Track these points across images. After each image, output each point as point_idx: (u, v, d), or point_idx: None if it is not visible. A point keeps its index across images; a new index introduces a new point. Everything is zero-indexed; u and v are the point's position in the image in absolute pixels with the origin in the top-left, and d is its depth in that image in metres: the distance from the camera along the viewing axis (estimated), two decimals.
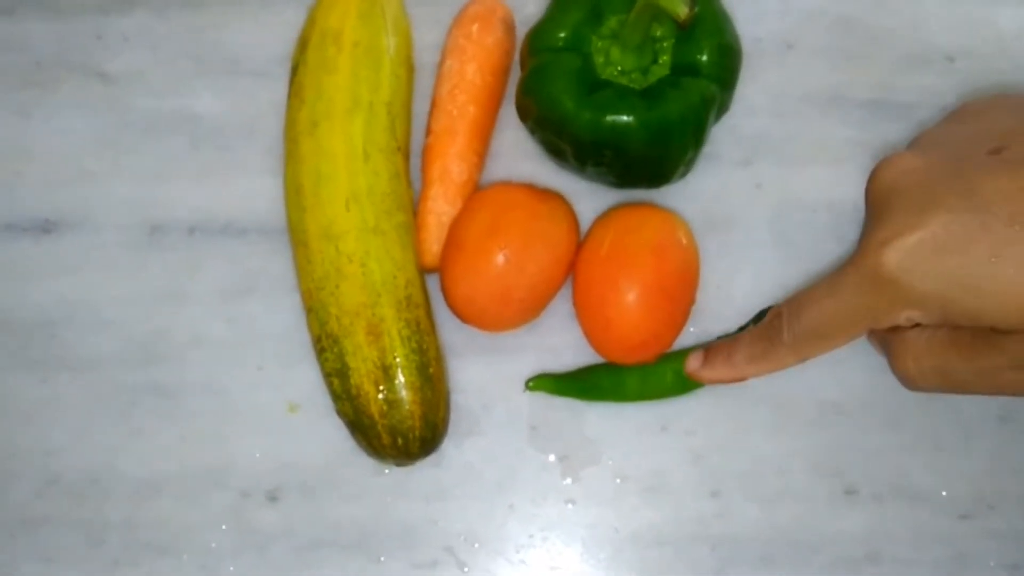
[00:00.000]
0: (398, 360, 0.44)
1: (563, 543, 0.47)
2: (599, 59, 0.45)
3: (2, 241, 0.50)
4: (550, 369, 0.48)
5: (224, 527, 0.47)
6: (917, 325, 0.37)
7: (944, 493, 0.47)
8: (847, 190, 0.49)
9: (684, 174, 0.47)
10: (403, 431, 0.44)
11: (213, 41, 0.52)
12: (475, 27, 0.49)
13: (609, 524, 0.47)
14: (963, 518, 0.47)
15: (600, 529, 0.47)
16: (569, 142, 0.45)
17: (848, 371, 0.48)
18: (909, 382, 0.39)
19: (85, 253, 0.50)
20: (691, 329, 0.48)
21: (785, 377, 0.48)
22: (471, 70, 0.48)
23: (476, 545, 0.47)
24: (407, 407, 0.44)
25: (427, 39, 0.50)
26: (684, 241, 0.46)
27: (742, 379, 0.42)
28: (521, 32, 0.48)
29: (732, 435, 0.47)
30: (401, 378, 0.43)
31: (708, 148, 0.47)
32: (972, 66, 0.51)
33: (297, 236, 0.46)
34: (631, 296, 0.44)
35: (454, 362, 0.48)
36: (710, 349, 0.44)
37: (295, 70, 0.48)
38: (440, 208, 0.48)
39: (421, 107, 0.50)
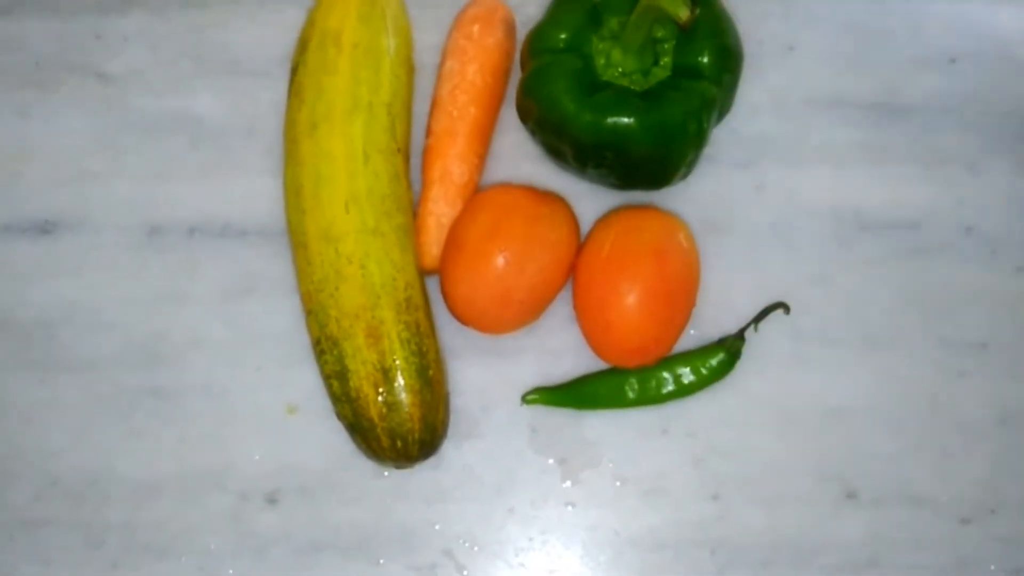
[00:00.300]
0: (397, 363, 0.43)
1: (563, 546, 0.47)
2: (600, 60, 0.44)
3: (1, 242, 0.50)
4: (550, 372, 0.48)
5: (223, 529, 0.47)
6: None
7: (945, 497, 0.47)
8: (848, 192, 0.49)
9: (685, 176, 0.47)
10: (402, 433, 0.44)
11: (213, 41, 0.51)
12: (476, 28, 0.48)
13: (609, 527, 0.47)
14: (964, 522, 0.47)
15: (600, 532, 0.47)
16: (569, 144, 0.44)
17: (849, 376, 0.48)
18: None
19: (84, 254, 0.49)
20: (691, 332, 0.48)
21: (787, 381, 0.48)
22: (472, 71, 0.48)
23: (475, 548, 0.47)
24: (406, 410, 0.43)
25: (427, 40, 0.50)
26: (685, 244, 0.46)
27: None
28: (521, 33, 0.48)
29: (733, 438, 0.47)
30: (401, 380, 0.43)
31: (709, 150, 0.47)
32: (973, 68, 0.51)
33: (297, 238, 0.46)
34: (631, 299, 0.44)
35: (454, 364, 0.48)
36: None
37: (295, 71, 0.48)
38: (440, 210, 0.47)
39: (421, 108, 0.49)
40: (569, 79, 0.44)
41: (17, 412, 0.48)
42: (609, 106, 0.43)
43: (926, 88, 0.50)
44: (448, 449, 0.47)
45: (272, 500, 0.47)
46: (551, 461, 0.47)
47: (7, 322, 0.49)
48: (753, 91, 0.50)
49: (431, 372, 0.44)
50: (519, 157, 0.50)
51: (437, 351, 0.46)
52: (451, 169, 0.47)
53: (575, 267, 0.46)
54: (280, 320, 0.48)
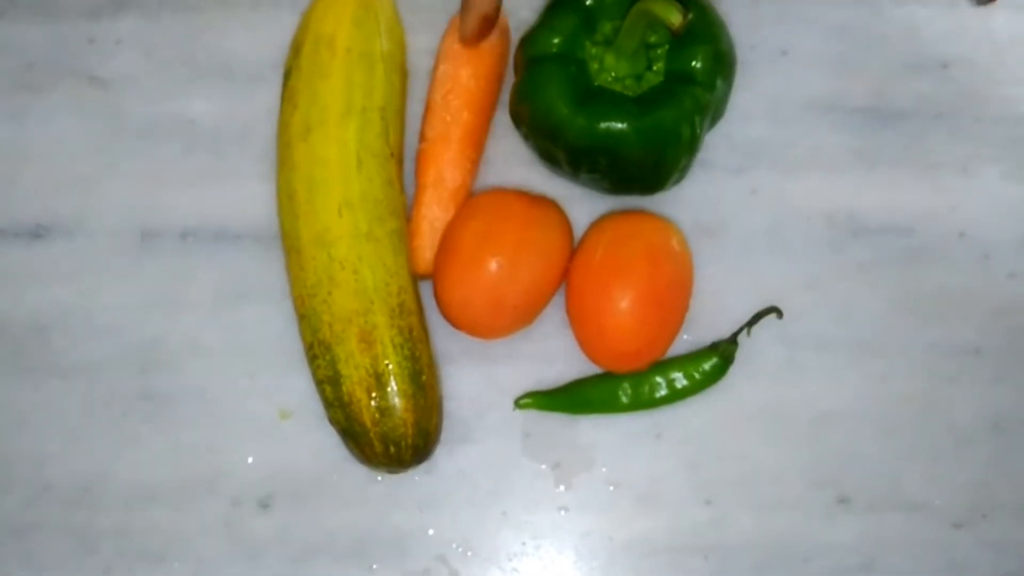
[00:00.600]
0: (390, 367, 0.43)
1: (556, 551, 0.47)
2: (593, 66, 0.45)
3: None
4: (543, 377, 0.48)
5: (216, 535, 0.47)
6: None
7: (938, 502, 0.47)
8: (841, 197, 0.49)
9: (678, 181, 0.47)
10: (395, 439, 0.44)
11: (206, 45, 0.51)
12: None
13: (602, 532, 0.47)
14: (957, 527, 0.47)
15: (593, 537, 0.47)
16: (563, 148, 0.44)
17: (842, 381, 0.48)
18: None
19: (77, 259, 0.49)
20: (685, 336, 0.48)
21: (780, 386, 0.48)
22: (465, 75, 0.48)
23: (469, 553, 0.47)
24: (399, 415, 0.43)
25: (421, 44, 0.50)
26: (678, 249, 0.46)
27: None
28: (515, 37, 0.48)
29: (726, 443, 0.47)
30: (393, 385, 0.43)
31: (702, 155, 0.47)
32: (966, 73, 0.51)
33: (290, 242, 0.46)
34: (624, 304, 0.44)
35: (447, 369, 0.48)
36: None
37: (288, 75, 0.48)
38: (433, 214, 0.47)
39: (415, 112, 0.49)
40: (562, 84, 0.44)
41: (10, 417, 0.48)
42: (602, 111, 0.43)
43: (919, 93, 0.50)
44: (441, 454, 0.47)
45: (265, 505, 0.47)
46: (544, 466, 0.47)
47: None
48: (746, 96, 0.50)
49: (424, 377, 0.44)
50: (512, 161, 0.50)
51: (430, 356, 0.46)
52: (444, 174, 0.47)
53: (568, 272, 0.46)
54: (273, 325, 0.48)
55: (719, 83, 0.44)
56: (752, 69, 0.50)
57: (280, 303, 0.48)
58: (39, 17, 0.52)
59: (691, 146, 0.45)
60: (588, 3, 0.44)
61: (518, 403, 0.47)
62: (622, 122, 0.43)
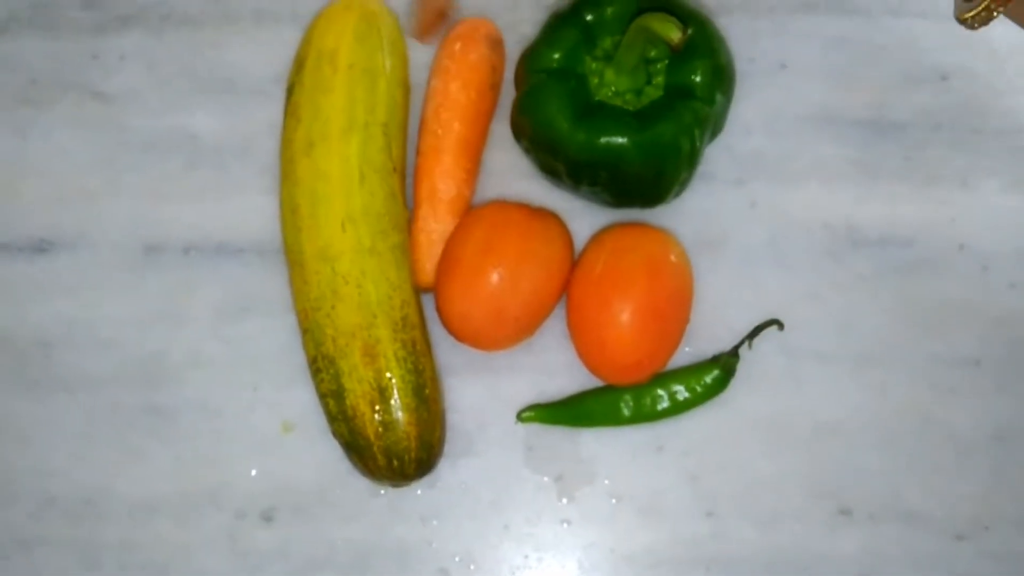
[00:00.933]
0: (394, 381, 0.44)
1: (558, 564, 0.47)
2: (593, 80, 0.45)
3: None
4: (545, 389, 0.48)
5: (219, 548, 0.47)
6: None
7: (939, 513, 0.47)
8: (841, 209, 0.50)
9: (678, 194, 0.47)
10: (399, 452, 0.44)
11: (209, 61, 0.52)
12: (458, 46, 0.49)
13: (605, 544, 0.47)
14: (959, 539, 0.47)
15: (596, 550, 0.47)
16: (563, 162, 0.45)
17: (843, 392, 0.48)
18: None
19: (81, 273, 0.50)
20: (686, 349, 0.48)
21: (781, 398, 0.48)
22: (455, 88, 0.48)
23: (471, 566, 0.47)
24: (403, 428, 0.44)
25: (423, 58, 0.50)
26: (678, 261, 0.46)
27: None
28: (515, 52, 0.48)
29: (728, 455, 0.47)
30: (397, 399, 0.43)
31: (702, 167, 0.47)
32: (966, 84, 0.51)
33: (293, 256, 0.46)
34: (625, 316, 0.44)
35: (449, 382, 0.48)
36: None
37: (291, 90, 0.48)
38: (430, 227, 0.48)
39: (417, 126, 0.50)
40: (563, 99, 0.44)
41: (13, 431, 0.48)
42: (602, 126, 0.43)
43: (918, 105, 0.51)
44: (444, 467, 0.47)
45: (268, 518, 0.47)
46: (546, 479, 0.48)
47: (3, 341, 0.49)
48: (746, 109, 0.50)
49: (427, 391, 0.45)
50: (513, 174, 0.50)
51: (433, 369, 0.46)
52: (438, 186, 0.48)
53: (568, 285, 0.46)
54: (276, 339, 0.48)
55: (719, 97, 0.45)
56: (751, 82, 0.50)
57: (283, 316, 0.48)
58: (43, 33, 0.52)
59: (691, 160, 0.45)
60: (588, 19, 0.44)
61: (520, 417, 0.47)
62: (622, 136, 0.43)
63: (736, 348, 0.47)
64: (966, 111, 0.51)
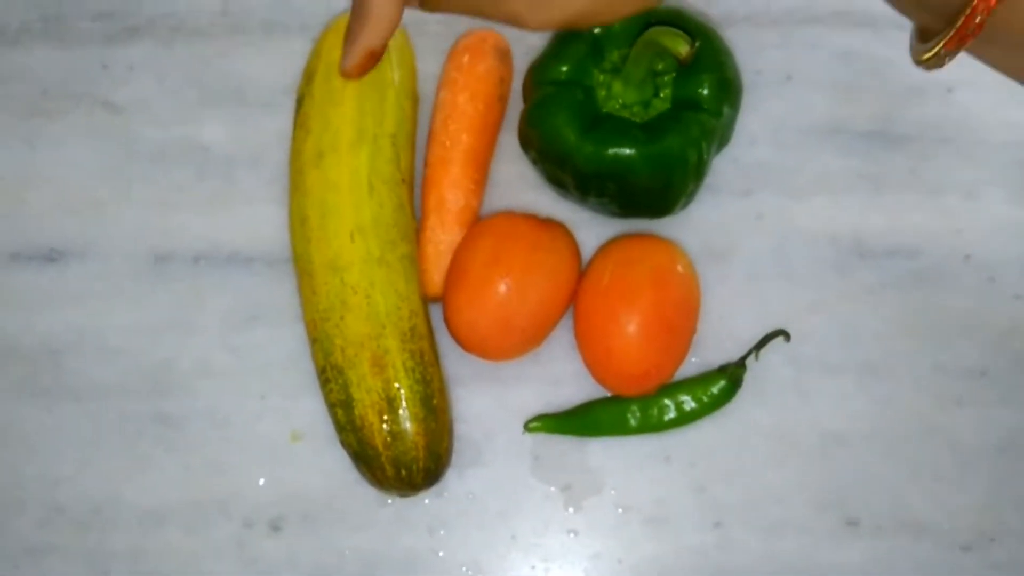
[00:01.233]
0: (402, 391, 0.44)
1: (565, 574, 0.47)
2: (601, 93, 0.45)
3: (7, 270, 0.50)
4: (552, 399, 0.48)
5: (227, 557, 0.47)
6: None
7: (946, 525, 0.47)
8: (847, 220, 0.50)
9: (685, 205, 0.47)
10: (407, 462, 0.44)
11: (219, 72, 0.52)
12: (466, 58, 0.49)
13: (612, 555, 0.47)
14: (965, 550, 0.47)
15: (602, 560, 0.47)
16: (571, 174, 0.45)
17: (849, 403, 0.48)
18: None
19: (90, 282, 0.50)
20: (692, 359, 0.48)
21: (787, 409, 0.48)
22: (463, 99, 0.48)
23: None
24: (411, 438, 0.44)
25: (431, 70, 0.51)
26: (685, 272, 0.46)
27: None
28: (524, 63, 0.49)
29: (734, 466, 0.48)
30: (405, 409, 0.44)
31: (709, 179, 0.47)
32: (971, 96, 0.51)
33: (302, 266, 0.46)
34: (632, 327, 0.44)
35: (456, 392, 0.48)
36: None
37: (301, 102, 0.48)
38: (438, 237, 0.48)
39: (425, 138, 0.50)
40: (571, 111, 0.44)
41: (22, 439, 0.48)
42: (610, 137, 0.43)
43: (924, 117, 0.51)
44: (451, 476, 0.47)
45: (276, 528, 0.47)
46: (553, 489, 0.48)
47: (13, 350, 0.49)
48: (752, 120, 0.50)
49: (435, 400, 0.45)
50: (520, 185, 0.50)
51: (441, 379, 0.46)
52: (446, 197, 0.48)
53: (576, 296, 0.47)
54: (285, 348, 0.48)
55: (726, 109, 0.45)
56: (757, 94, 0.50)
57: (291, 326, 0.48)
58: (54, 43, 0.52)
59: (698, 171, 0.45)
60: (596, 31, 0.45)
61: (527, 427, 0.47)
62: (630, 148, 0.43)
63: (743, 359, 0.47)
64: (972, 123, 0.51)
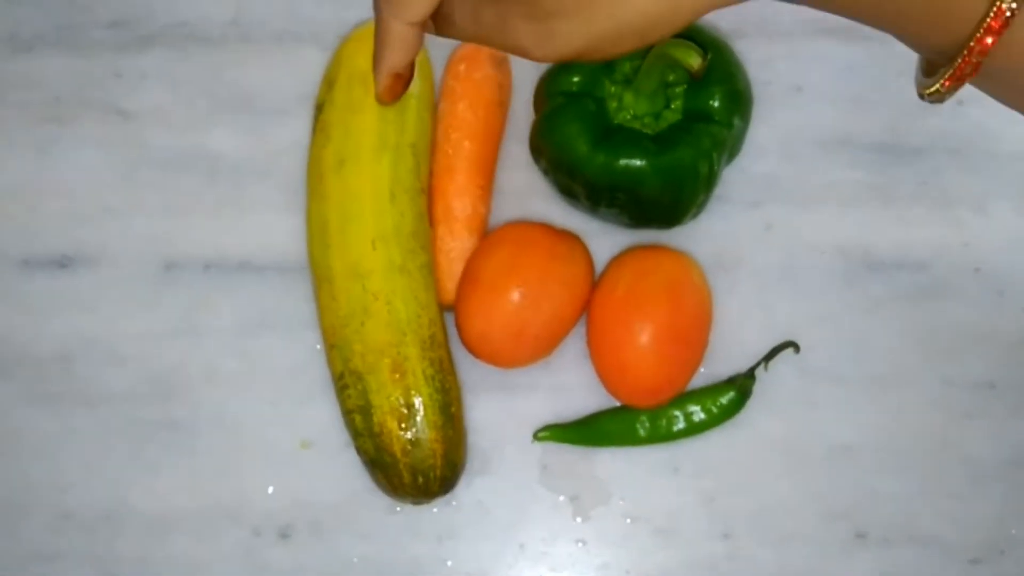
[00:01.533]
0: (422, 399, 0.44)
1: None
2: (612, 104, 0.45)
3: (19, 276, 0.50)
4: (562, 408, 0.48)
5: (236, 564, 0.47)
6: None
7: (955, 537, 0.47)
8: (856, 232, 0.50)
9: (695, 215, 0.47)
10: (424, 470, 0.44)
11: (230, 80, 0.52)
12: (462, 67, 0.49)
13: (620, 565, 0.47)
14: (974, 563, 0.47)
15: (611, 570, 0.47)
16: (582, 184, 0.45)
17: (858, 415, 0.48)
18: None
19: (101, 289, 0.50)
20: (701, 370, 0.48)
21: (796, 420, 0.48)
22: (462, 107, 0.49)
23: None
24: (429, 446, 0.44)
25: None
26: (698, 284, 0.46)
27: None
28: (532, 74, 0.49)
29: (743, 477, 0.48)
30: (424, 417, 0.44)
31: (719, 190, 0.47)
32: (980, 109, 0.51)
33: (321, 272, 0.46)
34: (645, 339, 0.44)
35: (466, 399, 0.48)
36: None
37: (321, 108, 0.48)
38: (448, 245, 0.48)
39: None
40: (582, 122, 0.44)
41: (32, 445, 0.48)
42: (621, 148, 0.44)
43: (933, 129, 0.51)
44: (460, 485, 0.47)
45: (285, 535, 0.47)
46: (562, 498, 0.48)
47: (24, 355, 0.49)
48: (762, 132, 0.50)
49: (453, 409, 0.45)
50: (530, 195, 0.50)
51: (458, 388, 0.46)
52: (453, 204, 0.48)
53: (589, 306, 0.47)
54: (295, 355, 0.49)
55: (736, 121, 0.45)
56: (767, 105, 0.50)
57: (302, 333, 0.48)
58: (67, 51, 0.53)
59: (709, 183, 0.45)
60: None
61: (537, 436, 0.47)
62: (641, 159, 0.43)
63: (752, 370, 0.48)
64: (981, 135, 0.51)
